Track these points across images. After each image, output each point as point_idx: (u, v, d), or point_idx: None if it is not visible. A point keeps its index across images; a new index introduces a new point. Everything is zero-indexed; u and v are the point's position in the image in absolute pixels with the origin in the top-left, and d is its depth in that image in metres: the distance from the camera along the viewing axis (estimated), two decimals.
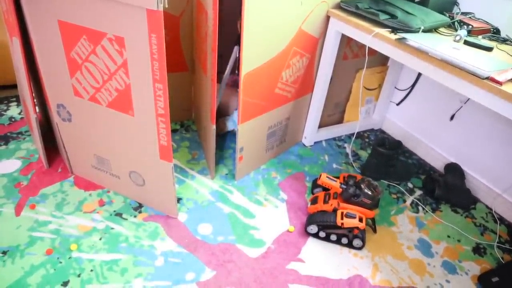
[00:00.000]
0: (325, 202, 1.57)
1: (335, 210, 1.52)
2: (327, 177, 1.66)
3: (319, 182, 1.66)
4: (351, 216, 1.47)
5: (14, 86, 2.24)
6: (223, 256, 1.44)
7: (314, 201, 1.63)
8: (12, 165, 1.73)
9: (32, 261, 1.33)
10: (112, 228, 1.49)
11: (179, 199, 1.66)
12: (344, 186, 1.55)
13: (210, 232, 1.53)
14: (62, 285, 1.27)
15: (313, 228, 1.54)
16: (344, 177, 1.72)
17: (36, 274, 1.29)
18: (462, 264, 1.53)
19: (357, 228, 1.47)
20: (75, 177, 1.71)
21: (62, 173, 1.72)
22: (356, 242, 1.51)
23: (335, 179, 1.66)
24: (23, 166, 1.73)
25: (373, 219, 1.61)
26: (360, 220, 1.47)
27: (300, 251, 1.50)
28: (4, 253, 1.35)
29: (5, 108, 2.12)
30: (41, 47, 1.33)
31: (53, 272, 1.31)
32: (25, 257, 1.34)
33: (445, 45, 1.39)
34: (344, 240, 1.53)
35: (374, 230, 1.61)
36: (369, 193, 1.48)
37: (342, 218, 1.47)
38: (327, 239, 1.55)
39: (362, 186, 1.50)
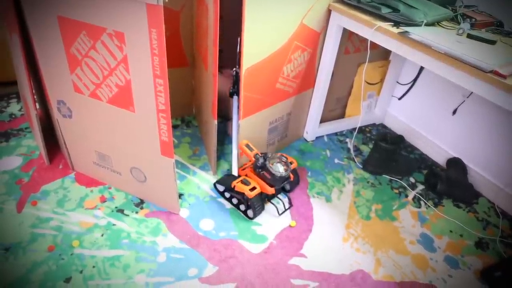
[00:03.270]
0: (243, 170, 1.66)
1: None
2: (246, 144, 1.63)
3: (238, 147, 1.68)
4: (245, 183, 1.52)
5: (14, 83, 2.23)
6: (225, 251, 1.44)
7: (243, 169, 1.70)
8: (13, 161, 1.72)
9: (34, 257, 1.33)
10: (114, 225, 1.49)
11: (180, 195, 1.66)
12: (258, 157, 1.56)
13: (212, 227, 1.53)
14: (64, 281, 1.27)
15: (220, 188, 1.65)
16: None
17: (38, 270, 1.29)
18: (464, 258, 1.53)
19: (245, 196, 1.51)
20: (76, 173, 1.71)
21: (63, 170, 1.72)
22: (249, 212, 1.57)
23: (254, 149, 1.63)
24: (24, 162, 1.73)
25: (273, 197, 1.64)
26: (252, 189, 1.50)
27: (302, 246, 1.50)
28: (7, 249, 1.35)
29: (5, 104, 2.11)
30: (41, 43, 1.32)
31: (55, 268, 1.31)
32: (27, 253, 1.34)
33: (448, 38, 1.38)
34: (242, 207, 1.59)
35: (276, 209, 1.62)
36: (272, 169, 1.51)
37: (237, 183, 1.53)
38: (230, 201, 1.63)
39: (270, 162, 1.52)
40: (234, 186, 1.53)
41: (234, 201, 1.61)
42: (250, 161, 1.66)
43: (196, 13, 1.72)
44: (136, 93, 1.28)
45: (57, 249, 1.37)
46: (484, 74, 1.17)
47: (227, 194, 1.64)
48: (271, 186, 1.55)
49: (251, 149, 1.62)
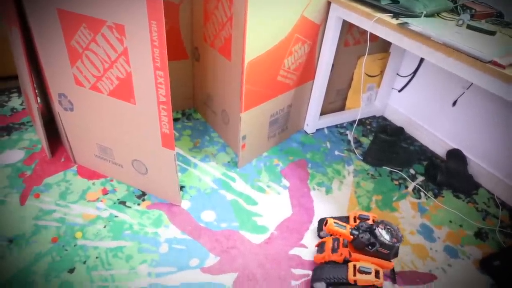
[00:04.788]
0: (333, 250, 1.31)
1: (346, 261, 1.27)
2: (334, 223, 1.33)
3: (325, 229, 1.34)
4: (366, 272, 1.21)
5: (15, 77, 2.23)
6: (226, 242, 1.45)
7: (321, 248, 1.38)
8: (15, 155, 1.74)
9: (38, 249, 1.35)
10: (116, 216, 1.50)
11: (182, 187, 1.67)
12: (356, 233, 1.29)
13: (214, 219, 1.54)
14: (68, 272, 1.29)
15: (320, 286, 1.29)
16: (354, 218, 1.42)
17: (42, 261, 1.31)
18: (464, 248, 1.55)
19: (374, 285, 1.23)
20: (78, 166, 1.72)
21: (65, 163, 1.73)
22: None
23: (344, 225, 1.33)
24: (26, 156, 1.74)
25: (392, 269, 1.38)
26: (377, 274, 1.21)
27: (303, 236, 1.51)
28: (10, 241, 1.36)
29: (6, 99, 2.12)
30: (41, 37, 1.32)
31: (59, 259, 1.33)
32: (31, 245, 1.36)
33: (447, 29, 1.38)
34: None
35: (394, 281, 1.38)
36: (387, 241, 1.23)
37: (354, 274, 1.21)
38: None
39: (378, 232, 1.25)
40: (355, 281, 1.20)
41: None
42: (335, 235, 1.34)
43: (204, 5, 1.71)
44: (136, 85, 1.29)
45: (60, 240, 1.39)
46: (483, 65, 1.17)
47: None
48: (389, 260, 1.28)
49: (340, 226, 1.32)
